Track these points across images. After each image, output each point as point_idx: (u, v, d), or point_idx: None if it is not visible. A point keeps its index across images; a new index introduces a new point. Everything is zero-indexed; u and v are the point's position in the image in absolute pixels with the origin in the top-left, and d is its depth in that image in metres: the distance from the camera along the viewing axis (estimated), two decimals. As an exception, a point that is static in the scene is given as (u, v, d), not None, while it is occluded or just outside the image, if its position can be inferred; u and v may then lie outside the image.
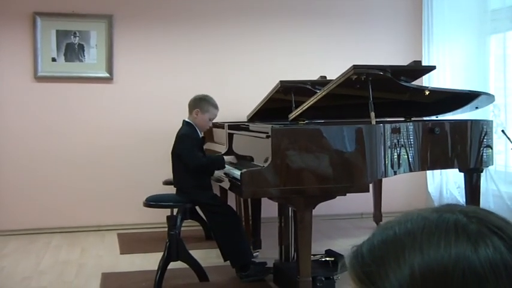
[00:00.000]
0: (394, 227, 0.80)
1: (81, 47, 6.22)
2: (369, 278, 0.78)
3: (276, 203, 4.53)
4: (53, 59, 6.16)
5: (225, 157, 4.55)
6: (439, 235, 0.76)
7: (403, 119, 4.89)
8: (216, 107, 4.81)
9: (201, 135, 4.83)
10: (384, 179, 5.45)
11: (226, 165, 4.52)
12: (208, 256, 5.07)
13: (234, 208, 5.18)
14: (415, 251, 0.75)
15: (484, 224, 0.77)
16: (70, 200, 6.20)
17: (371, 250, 0.80)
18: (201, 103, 4.76)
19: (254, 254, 4.97)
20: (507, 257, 0.74)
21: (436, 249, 0.74)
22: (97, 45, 6.24)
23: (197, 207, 5.19)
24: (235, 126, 5.03)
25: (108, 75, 6.27)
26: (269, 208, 5.13)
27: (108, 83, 6.30)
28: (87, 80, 6.25)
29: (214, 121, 5.27)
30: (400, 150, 4.17)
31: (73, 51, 6.20)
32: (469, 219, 0.77)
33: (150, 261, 4.92)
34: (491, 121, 4.95)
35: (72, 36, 6.19)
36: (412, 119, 4.87)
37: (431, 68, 5.05)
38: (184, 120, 4.79)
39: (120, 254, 5.40)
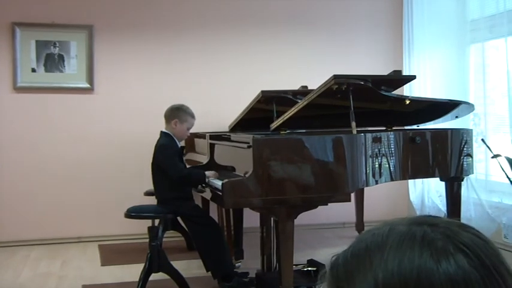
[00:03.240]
0: (368, 239, 0.81)
1: (61, 58, 6.18)
2: None
3: (258, 213, 4.52)
4: (33, 70, 6.12)
5: (206, 172, 4.52)
6: (404, 249, 0.76)
7: (384, 128, 4.91)
8: (193, 116, 4.81)
9: (179, 145, 4.81)
10: (365, 188, 5.46)
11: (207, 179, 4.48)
12: (190, 267, 5.04)
13: (216, 218, 5.16)
14: (380, 263, 0.76)
15: (452, 240, 0.77)
16: (50, 212, 6.14)
17: (345, 263, 0.81)
18: (179, 113, 4.75)
19: (236, 264, 4.96)
20: (470, 275, 0.74)
21: (399, 262, 0.75)
22: (77, 56, 6.20)
23: (179, 218, 5.16)
24: (217, 137, 5.01)
25: (88, 85, 6.23)
26: (251, 218, 5.11)
27: (88, 94, 6.26)
28: (67, 91, 6.21)
29: (196, 131, 5.27)
30: (381, 159, 4.18)
31: (53, 61, 6.16)
32: (437, 235, 0.78)
33: (131, 272, 4.88)
34: (471, 130, 4.97)
35: (52, 47, 6.15)
36: (393, 128, 4.89)
37: (411, 78, 5.08)
38: (161, 131, 4.77)
39: (101, 265, 5.35)
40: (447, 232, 0.78)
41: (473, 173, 5.00)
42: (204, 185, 4.47)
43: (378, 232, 0.82)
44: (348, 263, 0.81)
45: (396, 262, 0.75)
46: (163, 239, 4.59)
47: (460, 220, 0.84)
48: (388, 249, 0.77)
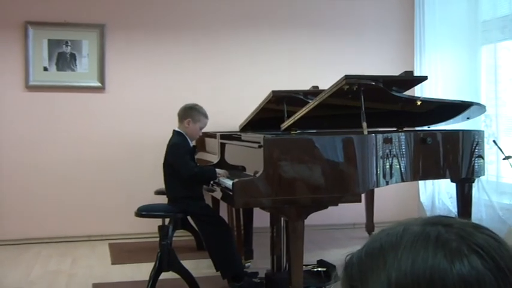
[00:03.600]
0: (382, 239, 0.82)
1: (73, 56, 6.20)
2: None
3: (268, 213, 4.52)
4: (45, 68, 6.15)
5: (217, 170, 4.52)
6: (418, 249, 0.77)
7: (395, 129, 4.90)
8: (206, 116, 4.82)
9: (191, 144, 4.82)
10: (376, 189, 5.45)
11: (218, 177, 4.49)
12: (199, 266, 5.05)
13: (226, 218, 5.16)
14: (394, 263, 0.76)
15: (466, 241, 0.77)
16: (61, 210, 6.17)
17: (359, 262, 0.82)
18: (192, 112, 4.76)
19: (246, 264, 4.96)
20: (484, 276, 0.74)
21: (413, 262, 0.76)
22: (89, 55, 6.23)
23: (189, 217, 5.17)
24: (228, 136, 5.02)
25: (99, 84, 6.26)
26: (261, 218, 5.11)
27: (99, 93, 6.28)
28: (78, 90, 6.24)
29: (206, 131, 5.27)
30: (392, 160, 4.17)
31: (65, 60, 6.19)
32: (451, 235, 0.78)
33: (141, 271, 4.90)
34: (483, 131, 4.96)
35: (64, 46, 6.18)
36: (404, 129, 4.87)
37: (423, 78, 5.07)
38: (174, 130, 4.78)
39: (111, 264, 5.36)
40: (461, 233, 0.78)
41: (484, 175, 4.98)
42: (214, 183, 4.47)
43: (392, 232, 0.82)
44: (362, 263, 0.81)
45: (410, 262, 0.75)
46: (173, 238, 4.59)
47: None
48: (402, 249, 0.77)
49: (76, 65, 6.22)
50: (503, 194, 5.53)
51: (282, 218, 4.31)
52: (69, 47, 6.19)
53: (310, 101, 4.37)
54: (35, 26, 6.09)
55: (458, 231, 0.78)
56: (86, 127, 6.24)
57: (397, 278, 0.75)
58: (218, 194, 4.45)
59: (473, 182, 4.86)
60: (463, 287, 0.73)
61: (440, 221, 0.81)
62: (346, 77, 3.91)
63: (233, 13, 6.55)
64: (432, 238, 0.77)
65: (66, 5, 6.17)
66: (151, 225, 5.11)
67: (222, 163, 4.88)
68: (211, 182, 4.54)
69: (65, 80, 6.19)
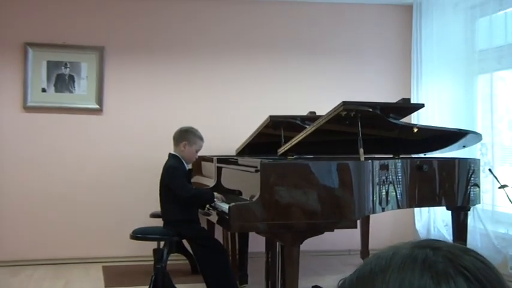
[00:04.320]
0: (372, 262, 0.82)
1: (72, 78, 6.23)
2: None
3: (263, 238, 4.51)
4: (43, 90, 6.17)
5: (215, 193, 4.52)
6: (405, 271, 0.77)
7: (391, 156, 4.91)
8: (201, 138, 4.83)
9: (187, 167, 4.82)
10: (371, 216, 5.45)
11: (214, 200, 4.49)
12: (194, 290, 5.02)
13: (221, 242, 5.15)
14: (382, 286, 0.77)
15: (453, 264, 0.77)
16: (55, 232, 6.14)
17: (350, 285, 0.83)
18: (188, 135, 4.77)
19: (240, 289, 4.94)
20: None
21: (400, 284, 0.76)
22: (87, 77, 6.25)
23: (184, 241, 5.15)
24: (224, 160, 5.02)
25: (97, 106, 6.27)
26: (256, 243, 5.10)
27: (97, 114, 6.30)
28: (76, 111, 6.25)
29: (203, 154, 5.28)
30: (388, 187, 4.17)
31: (63, 82, 6.21)
32: (438, 258, 0.78)
33: (135, 295, 4.87)
34: (479, 160, 4.97)
35: (63, 67, 6.21)
36: (401, 156, 4.89)
37: (419, 106, 5.09)
38: (170, 153, 4.79)
39: (105, 287, 5.33)
40: (449, 255, 0.79)
41: (480, 203, 4.98)
42: (210, 207, 4.47)
43: (383, 255, 0.82)
44: (353, 286, 0.82)
45: (397, 284, 0.76)
46: (168, 262, 4.58)
47: None
48: (390, 271, 0.78)
49: (74, 87, 6.24)
50: (499, 223, 5.53)
51: (278, 243, 4.30)
52: (68, 69, 6.22)
53: (307, 127, 4.39)
54: (35, 47, 6.13)
55: (446, 254, 0.79)
56: (83, 149, 6.24)
57: None
58: (214, 218, 4.45)
59: (469, 210, 4.85)
60: None
61: (429, 244, 0.82)
62: (344, 103, 3.94)
63: (232, 37, 6.60)
64: (419, 260, 0.78)
65: (66, 27, 6.22)
66: (146, 248, 5.10)
67: (219, 187, 4.89)
68: (208, 206, 4.53)
69: (63, 102, 6.21)
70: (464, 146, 5.11)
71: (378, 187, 4.06)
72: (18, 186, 6.09)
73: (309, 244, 3.94)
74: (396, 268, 0.78)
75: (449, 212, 4.87)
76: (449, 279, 0.75)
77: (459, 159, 4.77)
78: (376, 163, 4.08)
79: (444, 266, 0.77)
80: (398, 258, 0.80)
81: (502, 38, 5.49)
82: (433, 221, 6.36)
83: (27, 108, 6.14)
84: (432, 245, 0.81)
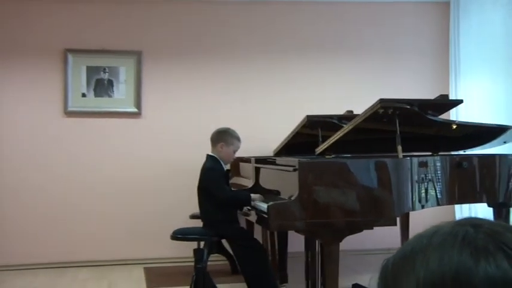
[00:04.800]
0: (414, 242, 0.84)
1: (111, 83, 6.33)
2: None
3: (303, 238, 4.51)
4: (83, 95, 6.28)
5: (252, 195, 4.53)
6: (446, 247, 0.78)
7: (430, 153, 4.86)
8: (239, 139, 4.85)
9: (225, 168, 4.85)
10: (411, 213, 5.40)
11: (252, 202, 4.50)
12: (234, 290, 5.05)
13: (261, 241, 5.17)
14: (423, 263, 0.78)
15: (493, 240, 0.77)
16: (97, 234, 6.24)
17: (393, 266, 0.84)
18: (225, 136, 4.80)
19: (281, 289, 4.95)
20: (509, 275, 0.74)
21: (440, 261, 0.77)
22: (126, 81, 6.35)
23: (224, 241, 5.19)
24: (262, 160, 5.04)
25: (136, 110, 6.36)
26: (296, 242, 5.11)
27: (136, 118, 6.39)
28: (116, 115, 6.35)
29: (241, 155, 5.31)
30: (427, 184, 4.14)
31: (102, 86, 6.32)
32: (479, 234, 0.78)
33: (176, 295, 4.92)
34: (520, 155, 4.89)
35: (102, 72, 6.31)
36: (440, 153, 4.84)
37: (458, 102, 5.03)
38: (208, 155, 4.82)
39: None
40: (489, 232, 0.79)
41: (521, 199, 4.90)
42: (249, 207, 4.49)
43: (424, 234, 0.84)
44: (395, 265, 0.83)
45: (437, 261, 0.77)
46: (208, 262, 4.61)
47: None
48: (431, 249, 0.79)
49: (113, 91, 6.34)
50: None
51: (317, 242, 4.30)
52: (106, 74, 6.32)
53: (344, 126, 4.38)
54: (74, 53, 6.24)
55: (486, 231, 0.79)
56: (123, 152, 6.34)
57: (425, 276, 0.76)
58: (253, 218, 4.47)
59: (511, 206, 4.78)
60: (487, 285, 0.73)
61: (470, 222, 0.82)
62: (381, 100, 3.92)
63: (270, 38, 6.62)
64: (459, 237, 0.78)
65: (104, 33, 6.33)
66: (186, 249, 5.15)
67: (257, 187, 4.91)
68: (247, 207, 4.55)
69: (102, 106, 6.31)
70: (505, 142, 5.03)
71: (417, 185, 4.03)
72: (60, 190, 6.21)
73: (349, 243, 3.94)
74: (437, 245, 0.79)
75: (491, 208, 4.80)
76: (489, 255, 0.75)
77: (500, 155, 4.70)
78: (415, 160, 4.06)
79: (484, 242, 0.77)
80: (439, 236, 0.81)
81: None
82: (475, 219, 6.26)
83: (68, 113, 6.26)
84: (473, 223, 0.82)
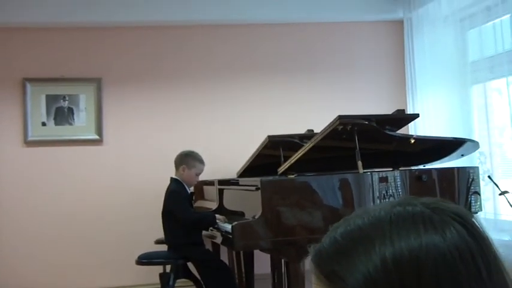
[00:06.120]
0: (356, 221, 0.86)
1: (71, 111, 6.29)
2: (335, 273, 0.82)
3: (269, 259, 4.52)
4: (43, 123, 6.22)
5: (216, 215, 4.55)
6: (408, 227, 0.82)
7: (391, 169, 4.93)
8: (201, 162, 4.87)
9: (189, 191, 4.86)
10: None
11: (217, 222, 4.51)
12: (202, 314, 5.01)
13: (227, 263, 5.16)
14: (385, 242, 0.81)
15: (446, 213, 0.83)
16: (60, 262, 6.15)
17: (335, 244, 0.85)
18: (187, 159, 4.83)
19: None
20: (471, 243, 0.81)
21: (406, 240, 0.80)
22: (86, 108, 6.31)
23: (190, 265, 5.16)
24: (225, 182, 5.06)
25: (97, 137, 6.32)
26: (262, 264, 5.11)
27: (97, 145, 6.34)
28: (77, 143, 6.30)
29: (204, 179, 5.31)
30: (388, 199, 4.20)
31: (63, 114, 6.27)
32: (432, 210, 0.84)
33: (143, 321, 4.86)
34: (477, 167, 4.99)
35: (61, 100, 6.27)
36: (400, 168, 4.91)
37: (415, 116, 5.12)
38: (171, 178, 4.83)
39: (113, 316, 5.33)
40: (440, 206, 0.85)
41: (481, 210, 4.97)
42: (214, 228, 4.49)
43: (366, 214, 0.87)
44: (340, 243, 0.85)
45: (403, 239, 0.80)
46: (175, 287, 4.59)
47: None
48: (388, 227, 0.82)
49: (74, 119, 6.29)
50: (502, 231, 5.51)
51: (283, 263, 4.32)
52: (66, 102, 6.28)
53: (305, 144, 4.43)
54: (33, 82, 6.20)
55: (436, 206, 0.85)
56: (85, 180, 6.28)
57: (394, 255, 0.79)
58: (218, 239, 4.47)
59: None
60: (459, 257, 0.79)
61: (412, 201, 0.87)
62: (340, 117, 3.98)
63: (228, 61, 6.65)
64: (417, 216, 0.83)
65: (63, 61, 6.30)
66: (152, 275, 5.10)
67: (221, 209, 4.91)
68: (211, 228, 4.56)
69: (63, 134, 6.26)
70: (462, 155, 5.13)
71: (378, 200, 4.09)
72: (21, 220, 6.12)
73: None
74: (395, 224, 0.83)
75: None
76: (449, 226, 0.81)
77: (458, 168, 4.79)
78: (376, 176, 4.12)
79: (439, 216, 0.83)
80: (393, 214, 0.84)
81: (492, 48, 5.55)
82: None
83: (28, 143, 6.19)
84: (416, 201, 0.87)
